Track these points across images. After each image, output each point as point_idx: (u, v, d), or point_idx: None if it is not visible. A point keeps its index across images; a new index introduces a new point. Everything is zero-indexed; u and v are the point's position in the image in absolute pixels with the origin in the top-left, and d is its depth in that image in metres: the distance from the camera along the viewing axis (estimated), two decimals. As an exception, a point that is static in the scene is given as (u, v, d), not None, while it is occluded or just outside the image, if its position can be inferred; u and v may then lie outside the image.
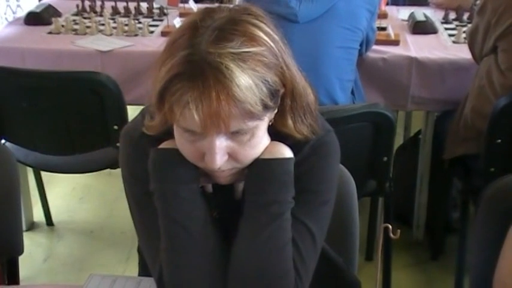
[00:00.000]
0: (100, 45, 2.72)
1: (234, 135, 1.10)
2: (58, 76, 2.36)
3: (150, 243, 1.24)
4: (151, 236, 1.23)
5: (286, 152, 1.18)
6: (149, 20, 3.06)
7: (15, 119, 2.44)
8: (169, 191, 1.17)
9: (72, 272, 2.73)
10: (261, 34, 1.09)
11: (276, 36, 1.12)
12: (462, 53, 2.63)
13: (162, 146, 1.18)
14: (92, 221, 3.11)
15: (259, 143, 1.14)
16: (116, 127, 2.36)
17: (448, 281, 2.48)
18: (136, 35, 2.87)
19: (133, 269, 2.57)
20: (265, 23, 1.12)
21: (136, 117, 1.29)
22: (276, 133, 1.19)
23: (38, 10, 3.05)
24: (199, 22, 1.08)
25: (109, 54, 2.68)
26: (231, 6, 1.15)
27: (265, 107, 1.09)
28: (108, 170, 2.59)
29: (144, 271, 1.44)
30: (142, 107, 1.31)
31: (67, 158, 2.54)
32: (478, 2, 2.95)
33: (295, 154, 1.19)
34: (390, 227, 0.94)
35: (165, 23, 3.00)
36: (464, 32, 2.80)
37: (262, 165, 1.16)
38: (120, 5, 3.15)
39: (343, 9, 2.29)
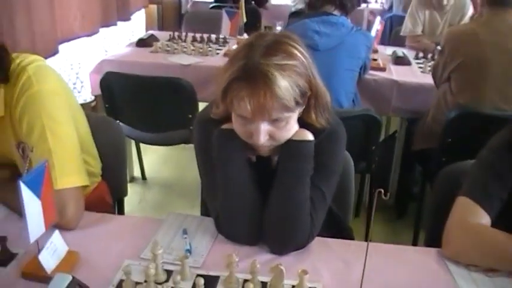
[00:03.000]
0: (183, 60, 2.71)
1: (274, 122, 1.06)
2: (155, 80, 2.34)
3: (211, 195, 1.21)
4: (212, 190, 1.20)
5: (309, 136, 1.14)
6: (216, 45, 3.03)
7: (126, 108, 2.43)
8: (227, 158, 1.14)
9: (157, 211, 2.73)
10: (296, 52, 1.05)
11: (306, 55, 1.08)
12: (426, 79, 2.58)
13: (223, 127, 1.15)
14: (170, 178, 3.11)
15: (291, 128, 1.10)
16: (190, 116, 2.33)
17: (409, 233, 2.39)
18: (207, 55, 2.85)
19: (197, 212, 2.57)
20: (299, 45, 1.08)
21: (205, 108, 1.25)
22: (302, 122, 1.14)
23: (145, 37, 3.08)
24: (254, 41, 1.05)
25: (188, 67, 2.66)
26: (277, 32, 1.10)
27: (297, 104, 1.05)
28: (183, 144, 2.56)
29: (205, 213, 1.40)
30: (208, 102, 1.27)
31: (156, 134, 2.53)
32: (438, 47, 2.90)
33: (315, 138, 1.15)
34: (383, 191, 0.87)
35: (226, 48, 2.99)
36: (429, 66, 2.76)
37: (292, 145, 1.12)
38: (197, 36, 3.13)
39: (350, 43, 2.22)
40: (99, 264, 1.10)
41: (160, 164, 3.27)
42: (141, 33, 3.79)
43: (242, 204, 1.15)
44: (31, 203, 0.98)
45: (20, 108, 1.23)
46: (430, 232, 1.50)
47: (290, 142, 1.11)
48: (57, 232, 1.09)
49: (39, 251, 1.03)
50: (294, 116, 1.09)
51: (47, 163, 1.02)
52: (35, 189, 0.99)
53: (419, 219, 2.29)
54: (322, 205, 1.17)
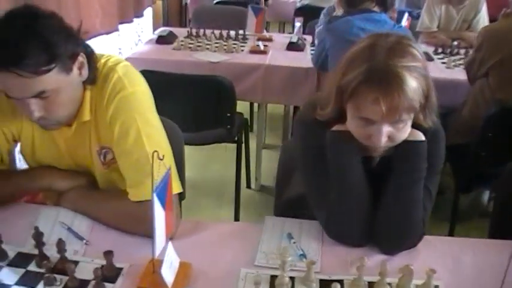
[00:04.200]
0: (211, 58, 2.63)
1: (394, 123, 1.04)
2: (192, 78, 2.25)
3: (320, 198, 1.17)
4: (322, 193, 1.15)
5: (422, 137, 1.12)
6: (238, 42, 2.96)
7: (160, 107, 2.28)
8: (343, 160, 1.11)
9: (185, 212, 2.61)
10: (418, 54, 1.04)
11: (423, 56, 1.06)
12: (454, 75, 2.60)
13: (335, 128, 1.11)
14: (191, 178, 2.97)
15: (408, 129, 1.08)
16: (228, 114, 2.26)
17: (440, 227, 2.39)
18: (232, 52, 2.77)
19: (225, 212, 2.50)
20: (418, 46, 1.06)
21: (303, 109, 1.22)
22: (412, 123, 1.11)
23: (164, 34, 2.97)
24: (376, 42, 1.03)
25: (217, 64, 2.59)
26: (396, 33, 1.07)
27: (420, 105, 1.04)
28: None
29: (280, 213, 1.34)
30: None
31: (190, 134, 2.40)
32: (455, 42, 2.93)
33: None
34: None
35: (250, 43, 2.92)
36: (453, 61, 2.76)
37: (408, 145, 1.10)
38: (216, 32, 3.04)
39: None
40: (215, 275, 1.05)
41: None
42: (149, 30, 3.69)
43: (357, 205, 1.12)
44: (159, 214, 0.93)
45: (112, 111, 1.16)
46: (496, 225, 1.50)
47: (406, 143, 1.09)
48: (170, 244, 1.03)
49: (159, 265, 0.97)
50: (412, 118, 1.07)
51: (170, 171, 0.96)
52: (162, 200, 0.93)
53: (455, 213, 2.32)
54: (429, 205, 1.16)
